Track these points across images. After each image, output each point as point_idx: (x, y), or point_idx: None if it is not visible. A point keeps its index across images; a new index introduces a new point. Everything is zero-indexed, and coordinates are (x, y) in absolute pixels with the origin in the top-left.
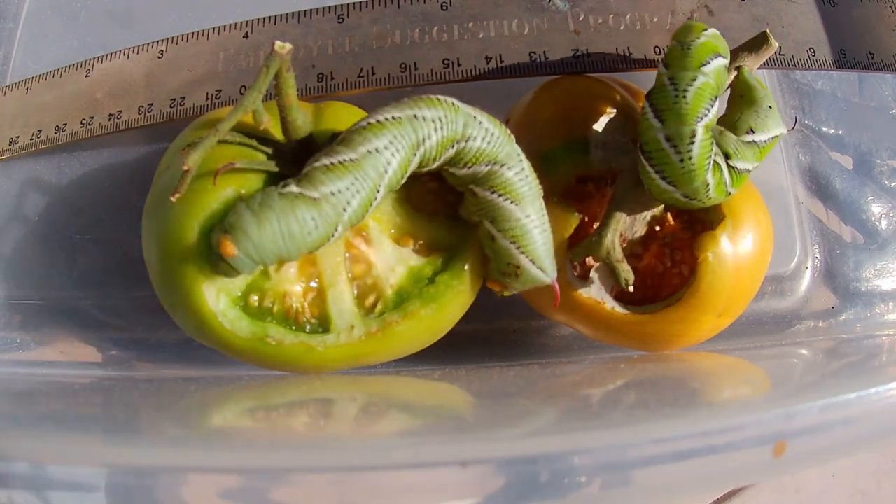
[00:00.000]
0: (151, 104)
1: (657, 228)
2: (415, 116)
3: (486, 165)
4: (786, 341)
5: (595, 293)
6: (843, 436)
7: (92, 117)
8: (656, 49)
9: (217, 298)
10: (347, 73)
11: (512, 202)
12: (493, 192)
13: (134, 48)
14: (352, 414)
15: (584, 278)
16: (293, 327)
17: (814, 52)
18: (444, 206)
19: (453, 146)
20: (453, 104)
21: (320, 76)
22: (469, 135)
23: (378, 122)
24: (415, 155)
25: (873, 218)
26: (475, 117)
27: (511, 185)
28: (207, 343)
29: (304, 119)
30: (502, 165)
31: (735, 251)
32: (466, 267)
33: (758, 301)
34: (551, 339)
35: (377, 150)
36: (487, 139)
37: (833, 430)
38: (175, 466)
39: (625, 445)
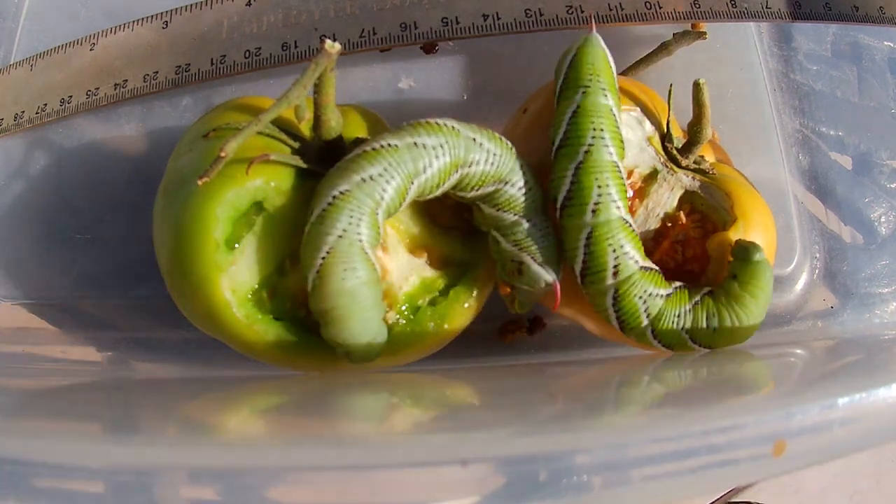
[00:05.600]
0: (157, 72)
1: (669, 225)
2: (415, 144)
3: (492, 186)
4: (785, 341)
5: None
6: (842, 436)
7: (97, 88)
8: (647, 4)
9: (232, 288)
10: (349, 34)
11: (516, 215)
12: (498, 210)
13: (138, 20)
14: (351, 413)
15: None
16: (303, 325)
17: (799, 5)
18: (460, 221)
19: (457, 171)
20: (453, 128)
21: (323, 38)
22: (472, 160)
23: (373, 149)
24: (412, 183)
25: (873, 218)
26: (475, 139)
27: (515, 200)
28: (213, 332)
29: (337, 120)
30: (506, 183)
31: None
32: (477, 286)
33: None
34: (551, 339)
35: (371, 178)
36: (490, 160)
37: (833, 430)
38: (175, 466)
39: (625, 445)
